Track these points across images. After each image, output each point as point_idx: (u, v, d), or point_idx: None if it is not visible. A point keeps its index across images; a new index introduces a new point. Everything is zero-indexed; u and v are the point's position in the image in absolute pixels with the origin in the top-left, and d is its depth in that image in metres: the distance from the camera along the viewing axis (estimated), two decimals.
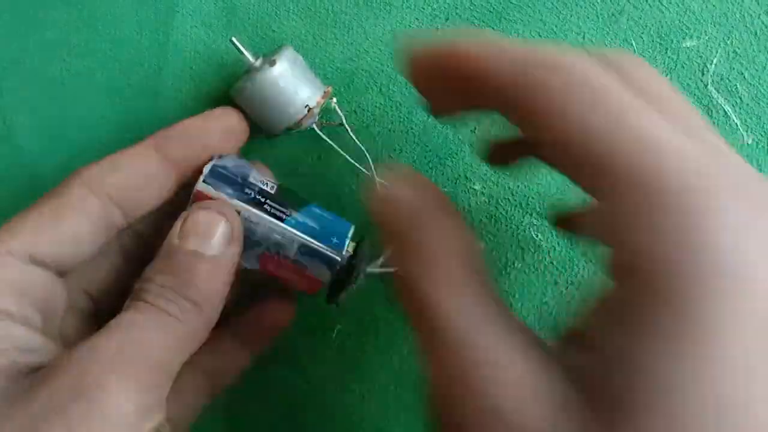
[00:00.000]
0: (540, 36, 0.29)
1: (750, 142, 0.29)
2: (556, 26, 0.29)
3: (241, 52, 0.27)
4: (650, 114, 0.16)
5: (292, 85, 0.27)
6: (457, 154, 0.30)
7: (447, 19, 0.29)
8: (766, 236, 0.15)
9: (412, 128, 0.30)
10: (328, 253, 0.25)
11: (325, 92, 0.28)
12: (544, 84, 0.17)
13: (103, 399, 0.20)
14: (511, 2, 0.28)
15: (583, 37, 0.29)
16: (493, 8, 0.29)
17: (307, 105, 0.27)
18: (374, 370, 0.31)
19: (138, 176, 0.25)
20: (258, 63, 0.27)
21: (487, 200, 0.27)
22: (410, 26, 0.29)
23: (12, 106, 0.31)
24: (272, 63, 0.26)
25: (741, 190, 0.15)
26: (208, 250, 0.23)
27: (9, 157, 0.31)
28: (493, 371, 0.17)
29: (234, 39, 0.26)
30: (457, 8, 0.29)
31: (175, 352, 0.22)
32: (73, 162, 0.31)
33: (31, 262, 0.23)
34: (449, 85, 0.19)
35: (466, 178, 0.30)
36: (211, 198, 0.24)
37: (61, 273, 0.24)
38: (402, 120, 0.30)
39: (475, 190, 0.30)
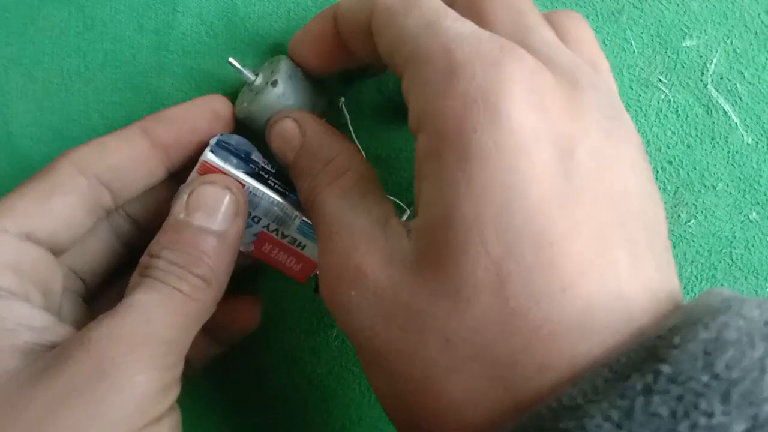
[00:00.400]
0: None
1: (750, 141, 0.29)
2: None
3: (240, 72, 0.26)
4: (455, 19, 0.20)
5: (295, 100, 0.26)
6: None
7: None
8: (519, 84, 0.18)
9: None
10: None
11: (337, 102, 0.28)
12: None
13: (123, 381, 0.20)
14: None
15: None
16: None
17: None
18: None
19: (126, 158, 0.25)
20: (259, 81, 0.26)
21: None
22: None
23: (12, 106, 0.31)
24: (274, 83, 0.25)
25: (496, 63, 0.18)
26: (214, 225, 0.23)
27: (9, 156, 0.31)
28: (357, 241, 0.21)
29: (232, 59, 0.26)
30: None
31: (188, 330, 0.22)
32: None
33: (27, 240, 0.23)
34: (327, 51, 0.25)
35: None
36: (217, 169, 0.24)
37: (55, 252, 0.24)
38: (402, 120, 0.30)
39: None
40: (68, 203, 0.24)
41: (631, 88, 0.29)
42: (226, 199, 0.24)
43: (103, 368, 0.20)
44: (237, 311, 0.29)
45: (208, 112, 0.26)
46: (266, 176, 0.25)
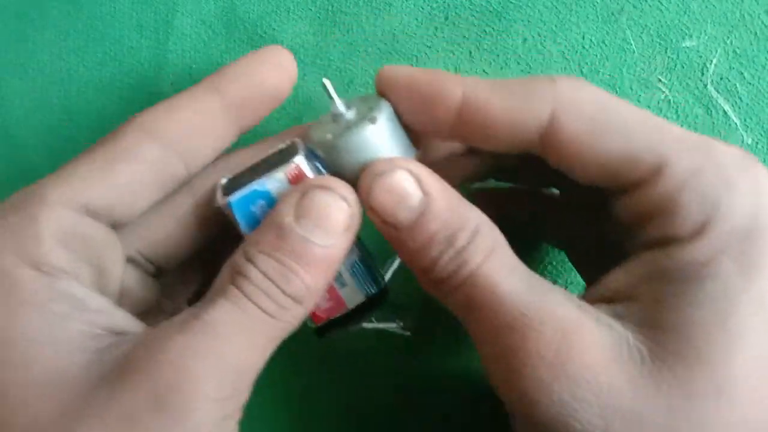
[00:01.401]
0: (540, 35, 0.29)
1: (750, 142, 0.29)
2: (555, 26, 0.29)
3: (331, 97, 0.23)
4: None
5: (391, 146, 0.22)
6: None
7: (446, 19, 0.29)
8: None
9: None
10: (377, 276, 0.23)
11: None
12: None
13: (183, 415, 0.18)
14: (510, 2, 0.28)
15: (583, 37, 0.29)
16: (493, 8, 0.29)
17: None
18: (375, 370, 0.31)
19: (198, 120, 0.22)
20: (351, 115, 0.23)
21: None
22: (410, 26, 0.29)
23: (12, 106, 0.31)
24: (372, 120, 0.21)
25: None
26: (321, 238, 0.20)
27: (8, 156, 0.31)
28: (572, 338, 0.19)
29: (326, 81, 0.22)
30: (456, 8, 0.29)
31: (265, 354, 0.20)
32: None
33: (84, 213, 0.21)
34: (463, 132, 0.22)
35: None
36: (304, 177, 0.21)
37: (115, 226, 0.22)
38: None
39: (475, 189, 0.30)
40: (134, 172, 0.21)
41: (631, 89, 0.29)
42: (342, 209, 0.20)
43: (165, 398, 0.18)
44: None
45: (275, 66, 0.24)
46: None
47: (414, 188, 0.20)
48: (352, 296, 0.23)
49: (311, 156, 0.22)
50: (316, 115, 0.30)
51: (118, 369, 0.19)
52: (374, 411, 0.31)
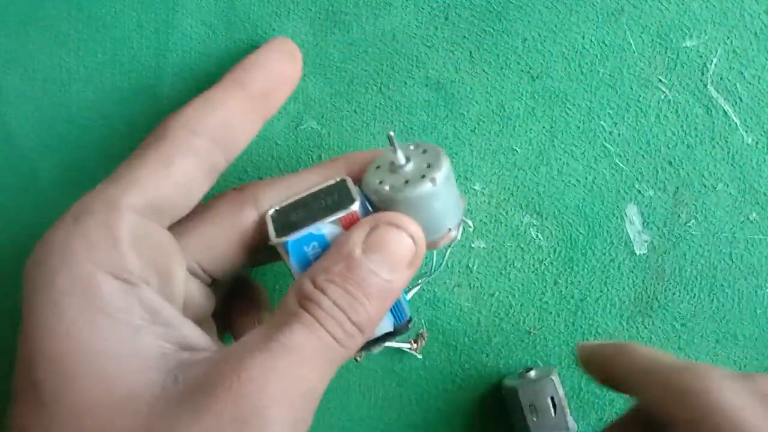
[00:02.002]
0: (540, 35, 0.29)
1: (750, 141, 0.29)
2: (555, 26, 0.29)
3: (394, 150, 0.23)
4: None
5: (444, 204, 0.23)
6: (457, 154, 0.30)
7: (446, 19, 0.29)
8: None
9: (411, 128, 0.30)
10: (405, 306, 0.24)
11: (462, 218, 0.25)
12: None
13: None
14: (510, 2, 0.28)
15: (583, 37, 0.29)
16: (493, 8, 0.29)
17: (449, 227, 0.24)
18: (374, 371, 0.31)
19: (233, 112, 0.24)
20: (410, 168, 0.23)
21: (487, 200, 0.27)
22: (410, 26, 0.29)
23: (12, 106, 0.31)
24: (433, 181, 0.22)
25: None
26: (387, 273, 0.21)
27: (8, 156, 0.31)
28: None
29: (392, 134, 0.23)
30: (456, 8, 0.29)
31: (327, 378, 0.21)
32: (73, 162, 0.31)
33: (151, 217, 0.21)
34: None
35: (466, 178, 0.30)
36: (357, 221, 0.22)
37: (172, 223, 0.23)
38: (402, 120, 0.30)
39: (475, 190, 0.30)
40: (189, 168, 0.22)
41: (631, 89, 0.29)
42: (409, 248, 0.22)
43: (246, 418, 0.18)
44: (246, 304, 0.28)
45: (288, 57, 0.26)
46: None
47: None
48: (382, 324, 0.24)
49: (364, 200, 0.23)
50: (317, 117, 0.30)
51: (198, 390, 0.19)
52: (374, 411, 0.31)
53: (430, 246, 0.24)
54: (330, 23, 0.29)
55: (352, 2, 0.29)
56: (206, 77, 0.30)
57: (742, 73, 0.28)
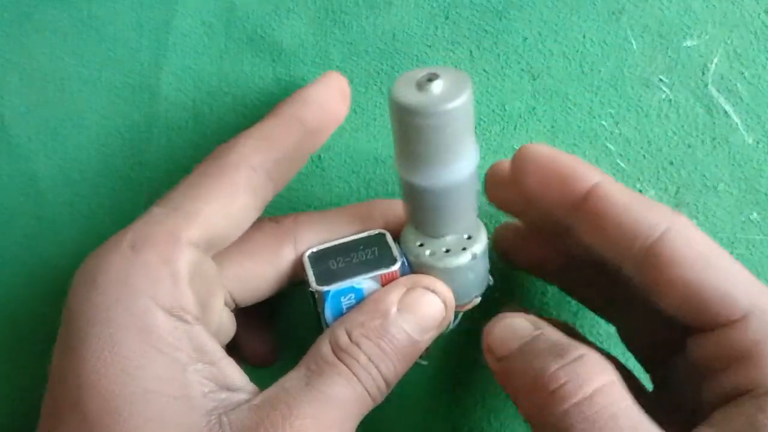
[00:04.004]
0: (540, 35, 0.29)
1: (750, 141, 0.29)
2: (556, 25, 0.29)
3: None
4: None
5: (476, 277, 0.24)
6: None
7: (447, 18, 0.29)
8: None
9: None
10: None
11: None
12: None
13: None
14: (511, 1, 0.28)
15: (584, 37, 0.29)
16: (493, 7, 0.29)
17: (476, 294, 0.25)
18: None
19: (290, 149, 0.24)
20: (450, 238, 0.24)
21: (487, 200, 0.27)
22: (410, 25, 0.29)
23: (11, 106, 0.31)
24: (474, 256, 0.23)
25: None
26: (417, 334, 0.22)
27: (8, 156, 0.31)
28: None
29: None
30: (457, 7, 0.29)
31: (356, 426, 0.22)
32: (73, 162, 0.31)
33: (204, 249, 0.22)
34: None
35: None
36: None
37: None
38: None
39: None
40: (244, 202, 0.23)
41: (632, 88, 0.29)
42: (439, 312, 0.23)
43: None
44: (255, 348, 0.29)
45: (338, 92, 0.26)
46: None
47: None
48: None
49: (404, 260, 0.24)
50: None
51: None
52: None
53: (456, 308, 0.25)
54: (330, 23, 0.29)
55: (352, 2, 0.29)
56: (206, 77, 0.30)
57: (742, 73, 0.28)
